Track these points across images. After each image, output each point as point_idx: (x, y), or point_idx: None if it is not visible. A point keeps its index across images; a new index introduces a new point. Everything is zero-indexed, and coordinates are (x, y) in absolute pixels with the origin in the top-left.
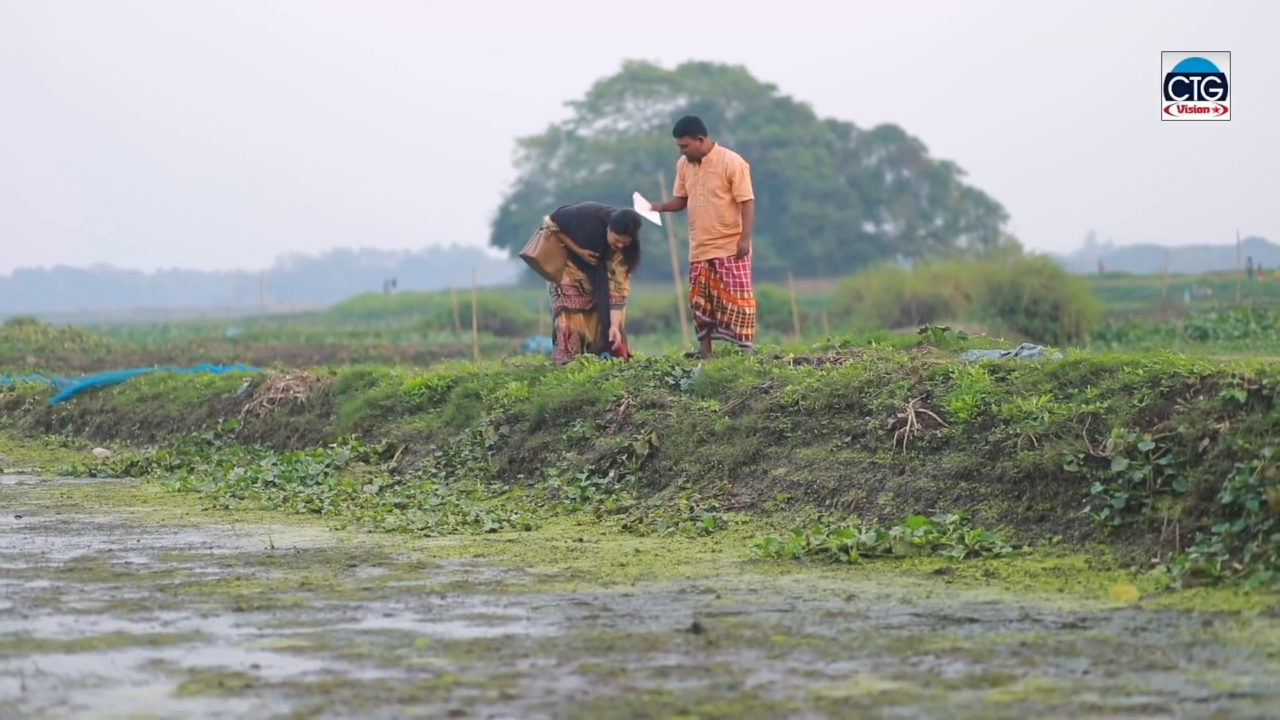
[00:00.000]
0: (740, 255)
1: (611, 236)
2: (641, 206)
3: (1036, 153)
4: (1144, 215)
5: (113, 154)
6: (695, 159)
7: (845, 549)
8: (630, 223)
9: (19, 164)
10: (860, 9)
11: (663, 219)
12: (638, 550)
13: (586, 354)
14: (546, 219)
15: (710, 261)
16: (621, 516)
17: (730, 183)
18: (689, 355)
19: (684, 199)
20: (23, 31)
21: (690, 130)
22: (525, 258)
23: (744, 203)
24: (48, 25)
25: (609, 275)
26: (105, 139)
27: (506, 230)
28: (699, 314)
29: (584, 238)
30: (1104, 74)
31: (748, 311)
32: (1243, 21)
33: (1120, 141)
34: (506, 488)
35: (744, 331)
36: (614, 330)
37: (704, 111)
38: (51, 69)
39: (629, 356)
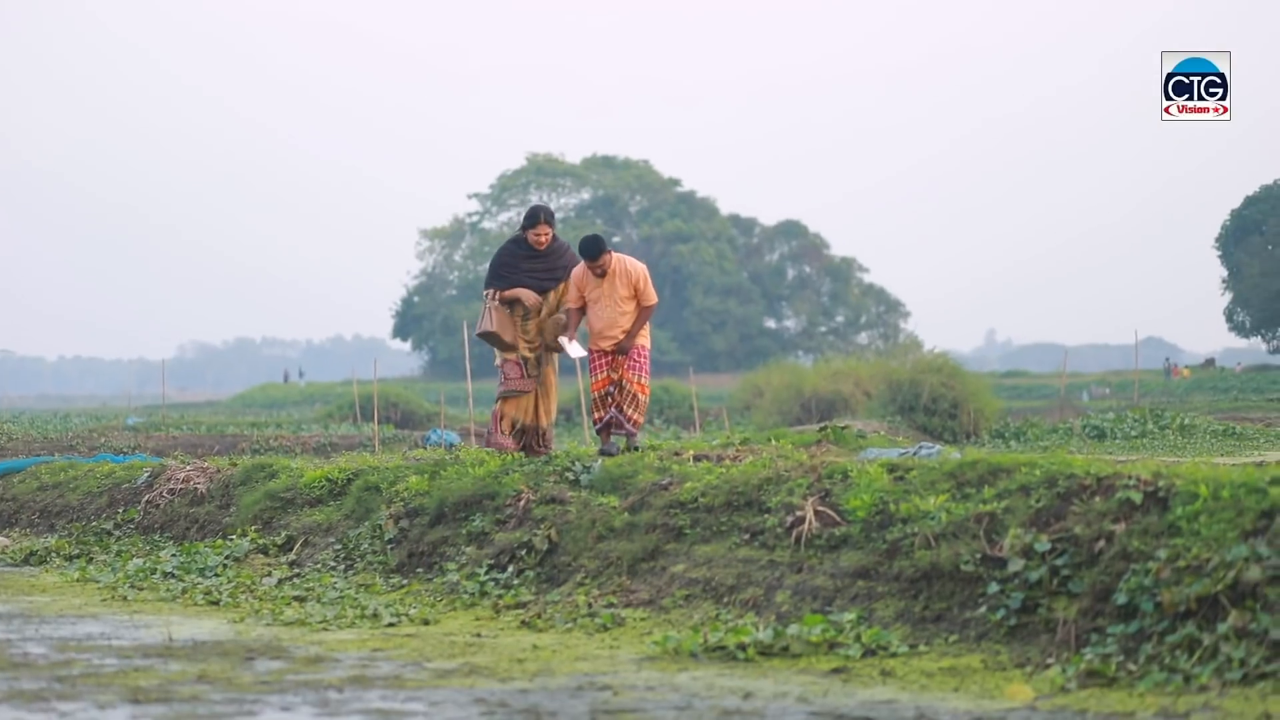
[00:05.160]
0: (621, 351)
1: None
2: (571, 349)
3: (938, 250)
4: (1044, 314)
5: (11, 241)
6: (602, 273)
7: (742, 646)
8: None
9: None
10: (764, 106)
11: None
12: (536, 646)
13: (538, 442)
14: (488, 293)
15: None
16: (520, 612)
17: (636, 290)
18: (602, 451)
19: (583, 309)
20: None
21: (596, 251)
22: (485, 335)
23: (647, 307)
24: None
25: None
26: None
27: (409, 322)
28: (606, 403)
29: (534, 281)
30: (1008, 175)
31: (642, 398)
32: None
33: (1020, 240)
34: (405, 581)
35: (635, 416)
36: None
37: (608, 205)
38: None
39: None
